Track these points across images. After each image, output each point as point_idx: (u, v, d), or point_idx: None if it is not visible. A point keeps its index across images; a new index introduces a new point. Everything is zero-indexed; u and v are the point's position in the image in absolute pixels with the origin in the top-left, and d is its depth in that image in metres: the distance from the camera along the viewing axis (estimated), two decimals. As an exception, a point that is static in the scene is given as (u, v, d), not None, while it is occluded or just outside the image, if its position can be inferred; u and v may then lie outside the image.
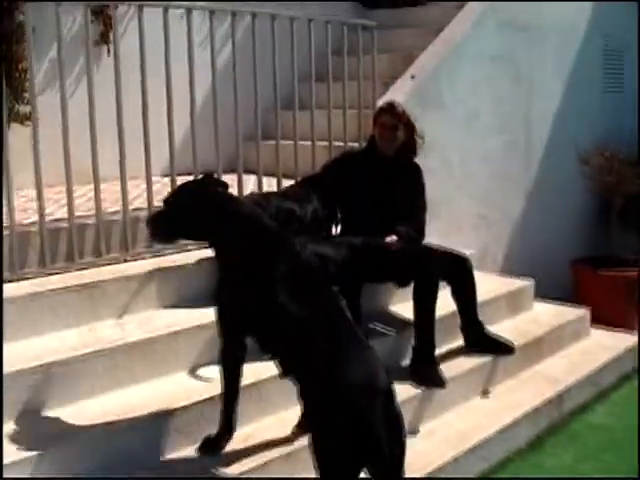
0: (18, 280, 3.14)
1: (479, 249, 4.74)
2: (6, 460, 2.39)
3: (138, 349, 3.00)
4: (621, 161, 5.56)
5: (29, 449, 2.49)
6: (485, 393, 3.72)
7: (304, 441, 2.57)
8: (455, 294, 3.75)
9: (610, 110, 6.29)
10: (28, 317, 2.97)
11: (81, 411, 2.76)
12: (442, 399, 3.46)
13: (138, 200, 3.85)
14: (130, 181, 3.56)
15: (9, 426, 2.61)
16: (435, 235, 4.01)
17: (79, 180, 3.55)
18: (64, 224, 3.37)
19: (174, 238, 2.92)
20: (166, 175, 3.82)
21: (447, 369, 3.57)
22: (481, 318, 3.82)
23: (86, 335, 3.05)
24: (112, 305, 3.22)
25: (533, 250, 5.51)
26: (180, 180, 3.12)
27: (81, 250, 3.41)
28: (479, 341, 3.82)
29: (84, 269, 3.37)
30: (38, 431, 2.63)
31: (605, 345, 4.47)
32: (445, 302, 3.67)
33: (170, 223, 2.71)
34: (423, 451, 3.12)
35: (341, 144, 4.31)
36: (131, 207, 3.58)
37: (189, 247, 3.55)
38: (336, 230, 3.86)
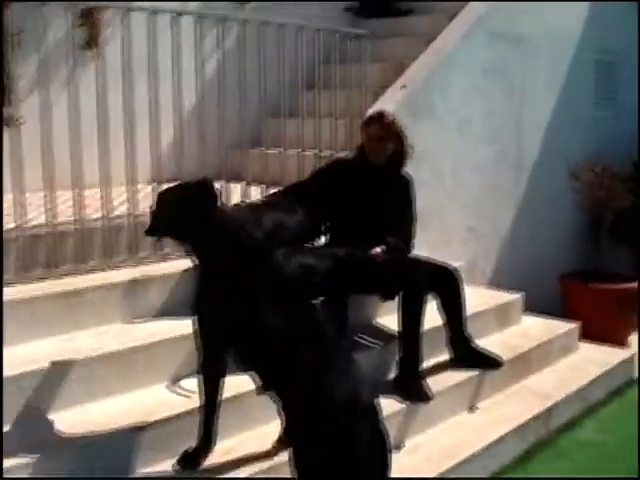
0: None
1: (468, 262, 4.70)
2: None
3: (117, 359, 2.95)
4: (612, 176, 5.54)
5: None
6: (472, 408, 3.68)
7: (285, 456, 2.53)
8: (443, 306, 3.70)
9: (602, 122, 6.27)
10: (6, 325, 2.89)
11: (56, 423, 2.70)
12: (428, 413, 3.42)
13: (123, 207, 3.79)
14: (115, 187, 3.51)
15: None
16: (424, 247, 3.96)
17: (64, 185, 3.49)
18: (45, 230, 3.31)
19: (164, 235, 2.91)
20: (154, 181, 3.77)
21: (434, 383, 3.52)
22: (469, 331, 3.78)
23: (65, 344, 2.99)
24: (93, 314, 3.18)
25: (522, 263, 5.48)
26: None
27: (62, 257, 3.35)
28: (467, 355, 3.77)
29: (65, 276, 3.31)
30: (10, 443, 2.54)
31: (594, 360, 4.44)
32: (432, 315, 3.63)
33: (161, 220, 2.71)
34: (408, 466, 3.07)
35: (332, 152, 4.28)
36: (114, 214, 3.53)
37: (172, 256, 3.51)
38: (324, 239, 3.81)
